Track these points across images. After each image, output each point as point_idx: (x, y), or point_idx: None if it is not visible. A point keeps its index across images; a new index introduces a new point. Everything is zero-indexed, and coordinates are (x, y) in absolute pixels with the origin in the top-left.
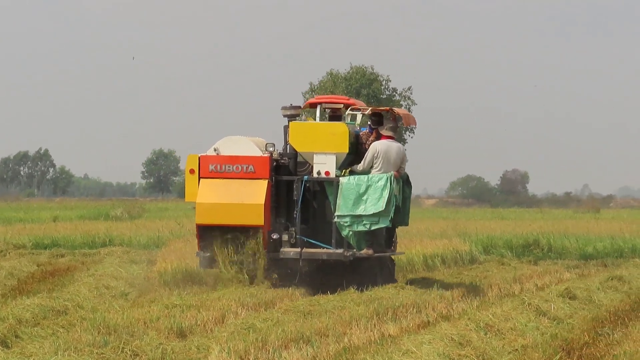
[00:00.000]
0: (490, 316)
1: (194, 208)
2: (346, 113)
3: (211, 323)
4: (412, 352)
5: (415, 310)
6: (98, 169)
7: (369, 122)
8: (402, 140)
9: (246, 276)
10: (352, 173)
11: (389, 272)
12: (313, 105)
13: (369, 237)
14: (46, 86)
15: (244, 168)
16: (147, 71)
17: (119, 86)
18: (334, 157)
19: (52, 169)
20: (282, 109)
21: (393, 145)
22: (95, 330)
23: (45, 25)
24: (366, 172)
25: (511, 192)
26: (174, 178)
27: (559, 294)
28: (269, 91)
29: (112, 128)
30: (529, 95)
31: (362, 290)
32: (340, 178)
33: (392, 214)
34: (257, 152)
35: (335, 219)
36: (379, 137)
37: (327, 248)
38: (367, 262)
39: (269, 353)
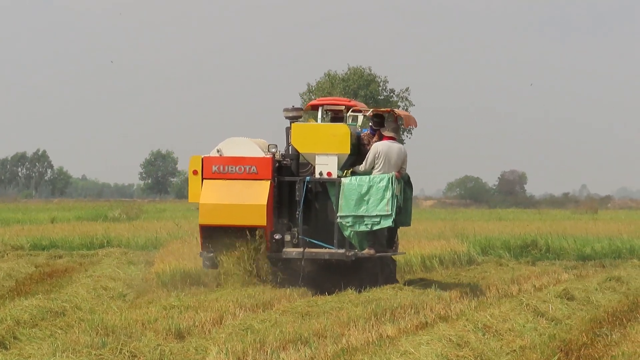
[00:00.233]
0: (488, 317)
1: (197, 209)
2: (347, 114)
3: (209, 324)
4: (410, 353)
5: (413, 311)
6: (96, 170)
7: (370, 124)
8: (400, 141)
9: (248, 276)
10: (353, 174)
11: (390, 272)
12: (315, 107)
13: (371, 237)
14: (44, 87)
15: (247, 169)
16: (146, 72)
17: (117, 87)
18: (335, 158)
19: (50, 170)
20: (284, 110)
21: (394, 146)
22: (93, 331)
23: (43, 26)
24: (367, 172)
25: (509, 192)
26: (172, 179)
27: (557, 294)
28: (266, 92)
29: (110, 129)
30: (527, 96)
31: (360, 291)
32: (342, 179)
33: (394, 215)
34: (260, 154)
35: (337, 219)
36: (381, 138)
37: (329, 248)
38: (369, 262)
39: (266, 354)
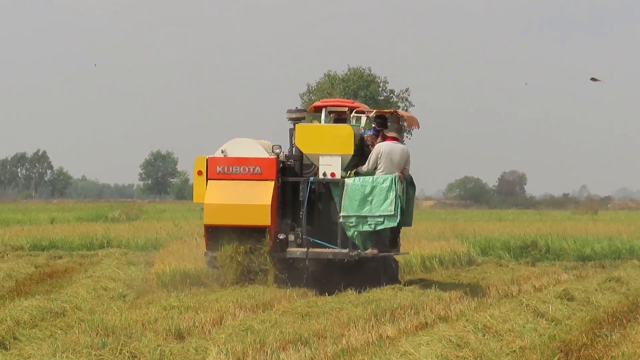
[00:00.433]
0: (488, 317)
1: (202, 209)
2: (351, 115)
3: (209, 324)
4: (410, 354)
5: (413, 312)
6: (96, 171)
7: (373, 125)
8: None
9: (252, 276)
10: (357, 174)
11: (393, 272)
12: (318, 109)
13: (374, 237)
14: (44, 87)
15: (251, 169)
16: (146, 72)
17: (117, 87)
18: (339, 159)
19: (50, 170)
20: (287, 112)
21: (397, 146)
22: (93, 331)
23: (43, 26)
24: (370, 173)
25: (509, 193)
26: (172, 180)
27: (556, 295)
28: (266, 92)
29: (110, 129)
30: (527, 96)
31: (360, 292)
32: (345, 179)
33: (399, 215)
34: (264, 154)
35: (341, 220)
36: (384, 139)
37: (332, 248)
38: (372, 262)
39: (266, 354)
